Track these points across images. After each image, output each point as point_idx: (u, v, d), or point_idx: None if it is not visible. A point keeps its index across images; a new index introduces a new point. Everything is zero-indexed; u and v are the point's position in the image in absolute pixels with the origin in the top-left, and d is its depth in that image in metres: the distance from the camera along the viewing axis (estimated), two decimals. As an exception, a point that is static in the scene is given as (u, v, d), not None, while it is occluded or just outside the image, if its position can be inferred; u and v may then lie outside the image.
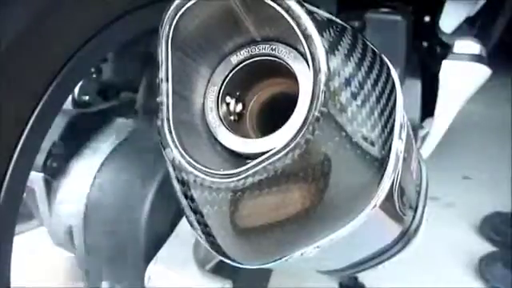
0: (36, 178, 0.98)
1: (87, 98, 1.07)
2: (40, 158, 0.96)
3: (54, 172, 0.99)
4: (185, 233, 0.92)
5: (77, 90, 1.06)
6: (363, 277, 1.49)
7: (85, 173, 1.00)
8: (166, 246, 0.94)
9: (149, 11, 0.73)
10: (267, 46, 0.54)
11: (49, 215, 1.02)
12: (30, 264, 1.48)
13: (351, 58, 0.50)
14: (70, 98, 1.04)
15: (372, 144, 0.52)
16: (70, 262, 1.11)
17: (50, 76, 0.64)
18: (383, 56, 0.57)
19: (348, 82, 0.49)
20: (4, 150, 0.61)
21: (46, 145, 0.97)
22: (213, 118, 0.55)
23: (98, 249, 1.00)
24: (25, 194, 0.96)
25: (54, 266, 1.47)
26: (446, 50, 1.40)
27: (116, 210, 0.98)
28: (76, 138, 1.02)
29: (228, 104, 0.56)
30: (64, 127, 1.00)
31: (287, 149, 0.47)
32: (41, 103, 0.63)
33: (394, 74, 0.58)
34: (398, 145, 0.56)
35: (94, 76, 1.09)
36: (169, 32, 0.52)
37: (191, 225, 0.56)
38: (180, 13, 0.51)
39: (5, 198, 0.62)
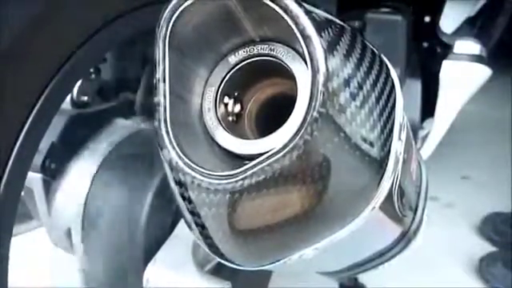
0: (34, 179, 0.98)
1: (86, 98, 1.07)
2: (38, 159, 0.96)
3: (53, 173, 0.99)
4: (183, 234, 0.92)
5: (75, 90, 1.05)
6: (363, 277, 1.49)
7: (83, 173, 1.00)
8: (165, 247, 0.94)
9: (148, 11, 0.73)
10: (265, 46, 0.53)
11: (47, 216, 1.02)
12: (28, 265, 1.48)
13: (350, 59, 0.50)
14: (68, 98, 1.04)
15: (371, 145, 0.51)
16: (68, 263, 1.10)
17: (49, 76, 0.64)
18: (382, 56, 0.57)
19: (347, 83, 0.49)
20: (2, 150, 0.61)
21: (44, 145, 0.96)
22: (210, 119, 0.54)
23: (97, 250, 1.00)
24: (23, 195, 0.97)
25: (52, 266, 1.47)
26: (446, 50, 1.40)
27: (115, 211, 0.98)
28: (75, 139, 1.02)
29: (226, 105, 0.55)
30: (62, 128, 1.00)
31: (285, 150, 0.47)
32: (39, 103, 0.63)
33: (394, 74, 0.58)
34: (397, 146, 0.55)
35: (93, 76, 1.09)
36: (166, 32, 0.51)
37: (189, 226, 0.56)
38: (177, 13, 0.51)
39: (2, 199, 0.62)
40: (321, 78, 0.47)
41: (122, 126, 1.08)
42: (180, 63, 0.53)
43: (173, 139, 0.51)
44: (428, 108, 1.43)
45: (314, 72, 0.47)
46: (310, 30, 0.47)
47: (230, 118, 0.56)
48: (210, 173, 0.50)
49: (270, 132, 0.51)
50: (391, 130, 0.54)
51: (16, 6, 0.58)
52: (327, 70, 0.47)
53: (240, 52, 0.55)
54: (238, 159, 0.52)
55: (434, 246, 1.62)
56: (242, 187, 0.49)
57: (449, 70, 1.34)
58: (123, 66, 1.15)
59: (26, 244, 1.43)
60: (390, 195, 0.57)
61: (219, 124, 0.54)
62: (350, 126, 0.49)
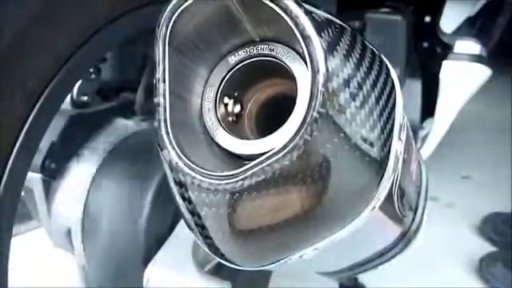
0: (34, 179, 0.98)
1: (86, 98, 1.07)
2: (38, 159, 0.96)
3: (53, 173, 0.99)
4: (184, 234, 0.92)
5: (75, 90, 1.05)
6: (363, 277, 1.49)
7: (83, 174, 1.00)
8: (165, 247, 0.94)
9: (148, 11, 0.73)
10: (265, 46, 0.53)
11: (47, 216, 1.02)
12: (28, 265, 1.48)
13: (350, 59, 0.50)
14: (68, 98, 1.04)
15: (371, 145, 0.51)
16: (68, 263, 1.11)
17: (48, 76, 0.64)
18: (382, 56, 0.57)
19: (347, 83, 0.48)
20: (1, 150, 0.61)
21: (44, 145, 0.96)
22: (210, 119, 0.54)
23: (97, 250, 1.00)
24: (23, 195, 0.97)
25: (52, 267, 1.47)
26: (446, 50, 1.40)
27: (115, 211, 0.98)
28: (74, 139, 1.02)
29: (226, 105, 0.55)
30: (62, 128, 1.00)
31: (285, 150, 0.47)
32: (39, 103, 0.63)
33: (394, 74, 0.58)
34: (397, 146, 0.55)
35: (93, 76, 1.09)
36: (166, 32, 0.51)
37: (189, 226, 0.56)
38: (177, 13, 0.51)
39: (2, 199, 0.62)
40: (321, 79, 0.47)
41: (122, 126, 1.08)
42: (180, 63, 0.53)
43: (173, 139, 0.51)
44: (428, 108, 1.43)
45: (314, 72, 0.47)
46: (310, 30, 0.47)
47: (230, 119, 0.56)
48: (210, 173, 0.50)
49: (270, 132, 0.51)
50: (391, 130, 0.54)
51: (16, 5, 0.58)
52: (327, 70, 0.47)
53: (240, 52, 0.55)
54: (238, 159, 0.52)
55: (434, 246, 1.62)
56: (241, 187, 0.49)
57: (449, 70, 1.34)
58: (123, 66, 1.15)
59: (25, 244, 1.43)
60: (390, 195, 0.57)
61: (219, 124, 0.54)
62: (349, 127, 0.49)
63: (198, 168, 0.50)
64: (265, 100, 0.58)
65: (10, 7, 0.58)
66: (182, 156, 0.51)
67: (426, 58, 1.52)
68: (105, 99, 1.13)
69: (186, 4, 0.50)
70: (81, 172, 1.00)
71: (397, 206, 0.63)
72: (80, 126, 1.03)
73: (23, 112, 0.62)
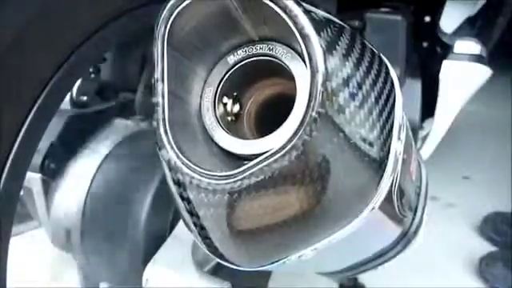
0: (34, 179, 0.98)
1: (85, 98, 1.07)
2: (38, 159, 0.96)
3: (52, 173, 0.99)
4: (183, 234, 0.92)
5: (75, 90, 1.05)
6: (363, 277, 1.48)
7: (83, 173, 1.00)
8: (164, 247, 0.94)
9: (148, 10, 0.73)
10: (264, 45, 0.53)
11: (47, 216, 1.02)
12: (27, 264, 1.48)
13: (349, 58, 0.50)
14: (67, 97, 1.04)
15: (370, 145, 0.51)
16: (68, 263, 1.11)
17: (48, 75, 0.64)
18: (382, 56, 0.57)
19: (346, 83, 0.48)
20: (1, 150, 0.61)
21: (43, 145, 0.96)
22: (209, 119, 0.54)
23: (97, 250, 1.00)
24: (23, 195, 0.97)
25: (52, 266, 1.47)
26: (446, 50, 1.40)
27: (114, 211, 0.98)
28: (74, 139, 1.02)
29: (225, 104, 0.55)
30: (62, 127, 1.00)
31: (284, 150, 0.47)
32: (38, 103, 0.63)
33: (393, 74, 0.57)
34: (396, 146, 0.55)
35: (93, 76, 1.09)
36: (164, 32, 0.51)
37: (188, 227, 0.56)
38: (175, 12, 0.50)
39: (2, 198, 0.62)
40: (320, 78, 0.46)
41: (122, 126, 1.08)
42: (179, 63, 0.53)
43: (171, 139, 0.51)
44: (428, 108, 1.42)
45: (313, 72, 0.47)
46: (309, 29, 0.47)
47: (229, 118, 0.55)
48: (209, 173, 0.50)
49: (269, 132, 0.50)
50: (391, 130, 0.54)
51: (15, 5, 0.58)
52: (326, 69, 0.47)
53: (239, 52, 0.54)
54: (237, 159, 0.52)
55: (433, 246, 1.62)
56: (240, 187, 0.48)
57: (449, 70, 1.34)
58: (123, 66, 1.15)
59: (25, 244, 1.44)
60: (389, 195, 0.57)
61: (218, 124, 0.54)
62: (349, 126, 0.49)
63: (196, 168, 0.50)
64: (264, 100, 0.58)
65: (10, 7, 0.58)
66: (180, 155, 0.50)
67: (426, 58, 1.51)
68: (104, 99, 1.13)
69: (185, 3, 0.50)
70: (80, 172, 1.00)
71: (396, 206, 0.62)
72: (80, 126, 1.03)
73: (23, 112, 0.62)
